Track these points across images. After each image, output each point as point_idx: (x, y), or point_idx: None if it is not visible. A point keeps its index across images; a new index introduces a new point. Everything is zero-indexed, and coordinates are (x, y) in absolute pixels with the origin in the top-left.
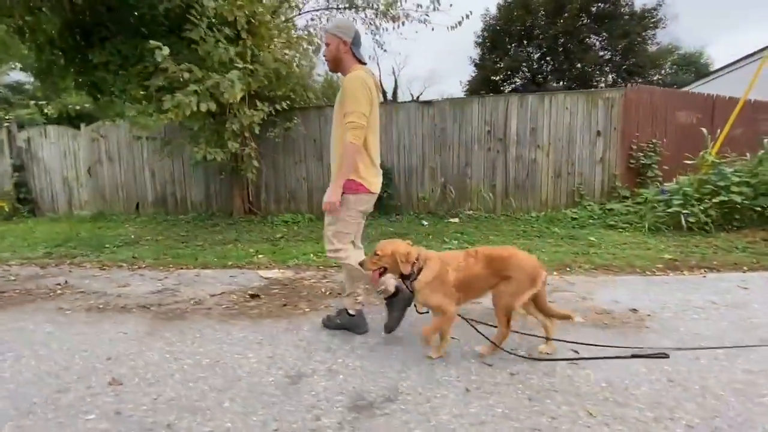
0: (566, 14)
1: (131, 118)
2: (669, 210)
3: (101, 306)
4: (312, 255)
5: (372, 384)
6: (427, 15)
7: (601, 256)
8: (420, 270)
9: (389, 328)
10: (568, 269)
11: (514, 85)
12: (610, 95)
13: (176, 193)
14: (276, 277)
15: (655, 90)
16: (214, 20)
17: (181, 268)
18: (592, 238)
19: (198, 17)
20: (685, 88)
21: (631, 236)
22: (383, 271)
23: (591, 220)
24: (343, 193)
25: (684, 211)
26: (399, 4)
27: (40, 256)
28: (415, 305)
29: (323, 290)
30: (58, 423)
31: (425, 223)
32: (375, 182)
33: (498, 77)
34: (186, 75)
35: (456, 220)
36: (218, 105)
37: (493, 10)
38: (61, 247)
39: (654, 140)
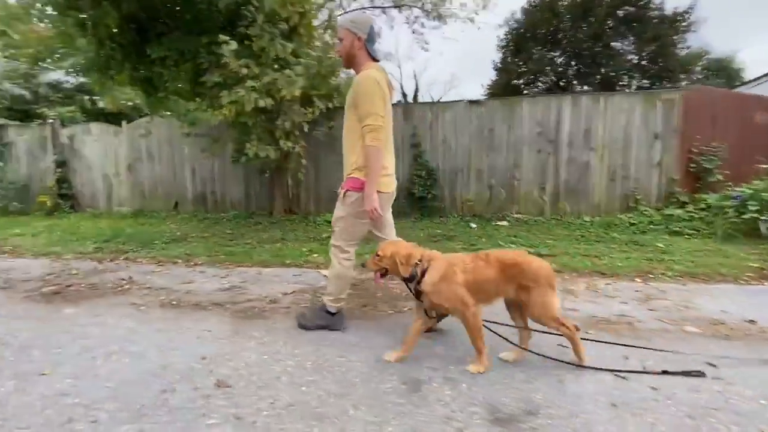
0: (593, 18)
1: (186, 113)
2: (744, 216)
3: (174, 302)
4: (367, 256)
5: (502, 395)
6: (476, 13)
7: (680, 263)
8: (424, 272)
9: (301, 324)
10: (650, 276)
11: (536, 89)
12: (668, 96)
13: (216, 191)
14: None
15: (715, 91)
16: (267, 16)
17: (239, 266)
18: (659, 245)
19: (254, 13)
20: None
21: (702, 243)
22: (385, 273)
23: (651, 226)
24: (348, 190)
25: (762, 218)
26: (446, 3)
27: (90, 251)
28: (425, 310)
29: (398, 291)
30: (178, 427)
31: (473, 225)
32: (385, 181)
33: (521, 81)
34: (244, 71)
35: (505, 223)
36: (273, 102)
37: (518, 14)
38: (110, 242)
39: (715, 143)
